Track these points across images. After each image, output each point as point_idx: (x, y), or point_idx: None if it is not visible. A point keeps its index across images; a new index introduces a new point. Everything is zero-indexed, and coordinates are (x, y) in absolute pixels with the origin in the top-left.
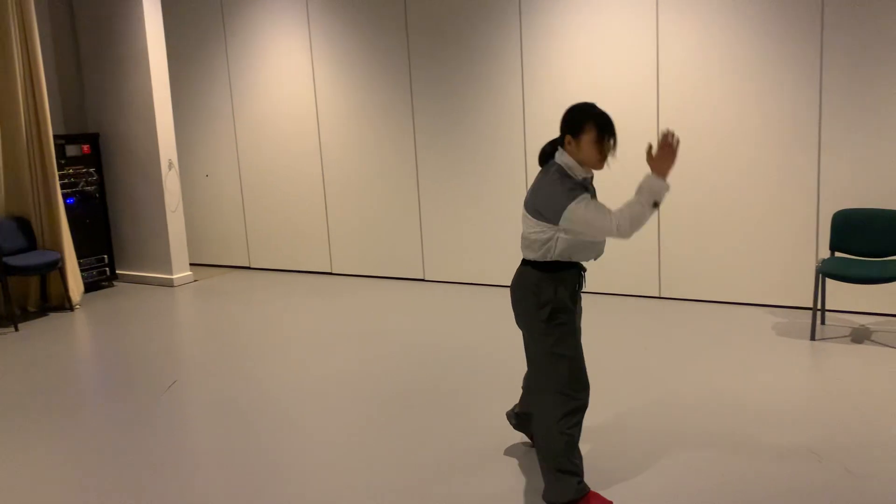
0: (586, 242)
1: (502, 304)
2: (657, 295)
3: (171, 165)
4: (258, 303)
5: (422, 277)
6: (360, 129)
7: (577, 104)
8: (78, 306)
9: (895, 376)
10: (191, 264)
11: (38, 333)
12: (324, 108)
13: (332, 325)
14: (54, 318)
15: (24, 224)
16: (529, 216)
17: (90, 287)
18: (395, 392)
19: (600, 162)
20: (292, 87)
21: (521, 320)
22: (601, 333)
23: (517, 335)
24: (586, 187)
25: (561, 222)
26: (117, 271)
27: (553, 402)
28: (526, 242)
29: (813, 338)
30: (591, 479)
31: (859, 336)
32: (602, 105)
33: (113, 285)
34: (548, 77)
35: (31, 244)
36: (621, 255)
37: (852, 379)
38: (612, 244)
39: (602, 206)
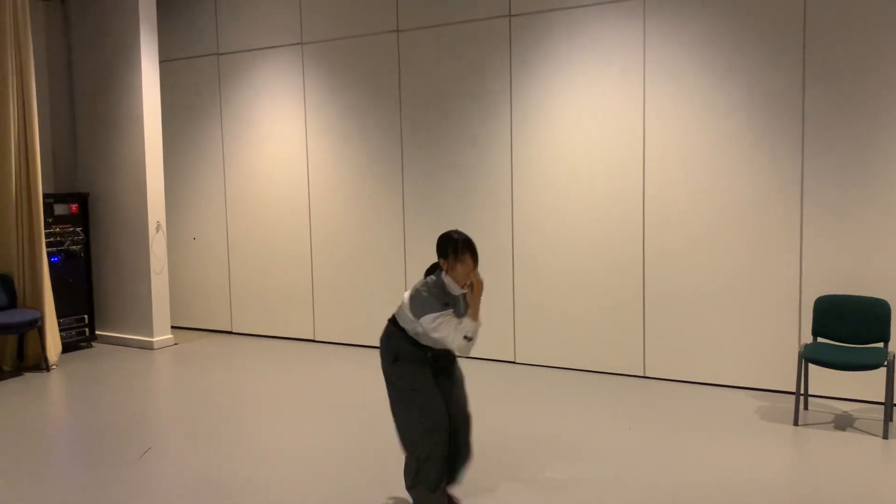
0: (432, 338)
1: (483, 377)
2: (641, 374)
3: (158, 227)
4: (238, 369)
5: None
6: (349, 198)
7: (443, 236)
8: (55, 366)
9: (875, 466)
10: (172, 327)
11: (12, 393)
12: (315, 177)
13: (311, 395)
14: (29, 377)
15: (6, 281)
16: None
17: (68, 347)
18: (373, 469)
19: (463, 285)
20: (284, 155)
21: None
22: (584, 411)
23: (499, 414)
24: (452, 304)
25: (418, 320)
26: (97, 332)
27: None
28: (402, 312)
29: (796, 423)
30: None
31: (842, 423)
32: (590, 185)
33: (92, 346)
34: (536, 151)
35: (12, 302)
36: (605, 332)
37: (834, 468)
38: (597, 322)
39: (452, 331)
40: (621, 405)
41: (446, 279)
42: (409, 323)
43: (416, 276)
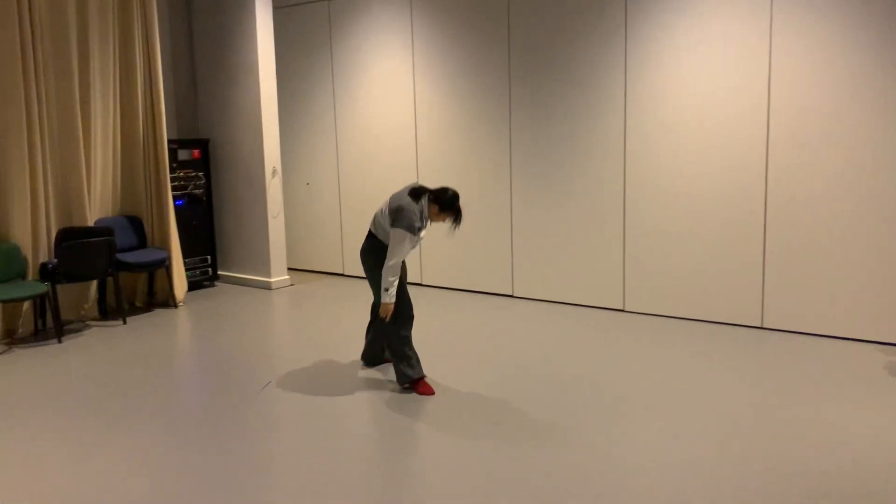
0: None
1: (590, 325)
2: (759, 325)
3: (274, 173)
4: (351, 309)
5: (510, 294)
6: (456, 142)
7: (453, 194)
8: (181, 304)
9: None
10: (288, 268)
11: (144, 327)
12: (422, 121)
13: (420, 334)
14: (159, 314)
15: (136, 223)
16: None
17: (193, 286)
18: (482, 411)
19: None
20: (393, 100)
21: (369, 273)
22: (697, 362)
23: (604, 356)
24: (419, 228)
25: (392, 226)
26: (219, 272)
27: (392, 322)
28: (379, 221)
29: None
30: None
31: None
32: (709, 128)
33: (214, 285)
34: (650, 94)
35: (142, 242)
36: (721, 281)
37: None
38: (712, 271)
39: (403, 251)
40: (737, 357)
41: (428, 211)
42: (381, 231)
43: (523, 219)
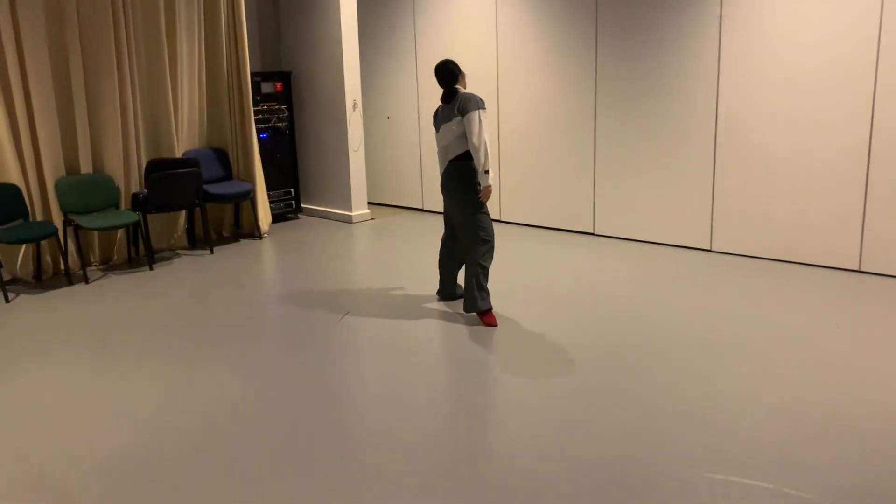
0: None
1: (677, 264)
2: (857, 268)
3: (355, 106)
4: (428, 245)
5: (591, 231)
6: (540, 77)
7: (451, 61)
8: (266, 235)
9: None
10: (369, 203)
11: (230, 257)
12: (504, 57)
13: (498, 272)
14: (245, 244)
15: (222, 155)
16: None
17: (277, 218)
18: (558, 346)
19: None
20: (475, 32)
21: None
22: (789, 304)
23: (688, 298)
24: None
25: (474, 111)
26: (302, 205)
27: (476, 247)
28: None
29: None
30: None
31: None
32: (810, 48)
33: (297, 218)
34: (748, 23)
35: (228, 174)
36: (816, 221)
37: None
38: (807, 210)
39: (485, 128)
40: (832, 300)
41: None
42: (454, 142)
43: (605, 160)
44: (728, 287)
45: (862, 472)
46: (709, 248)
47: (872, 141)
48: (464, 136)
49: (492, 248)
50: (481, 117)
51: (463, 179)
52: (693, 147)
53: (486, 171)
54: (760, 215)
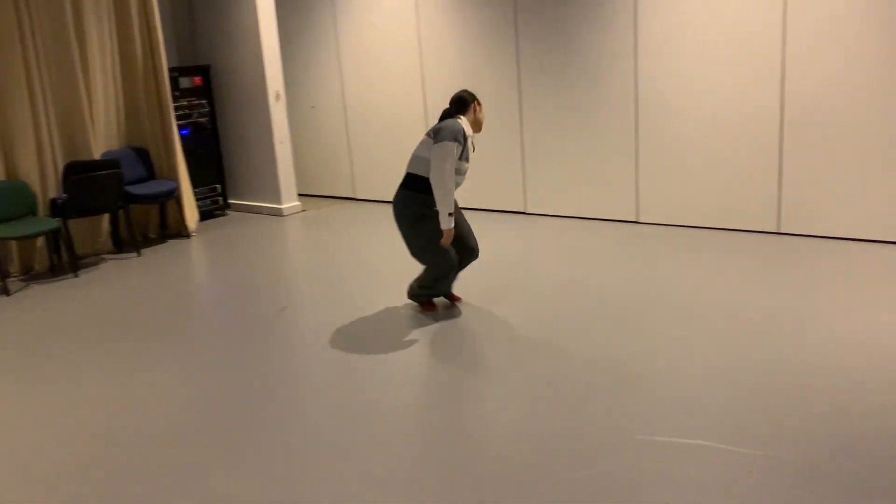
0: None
1: (603, 238)
2: (776, 230)
3: (278, 97)
4: (362, 233)
5: (523, 210)
6: (463, 57)
7: (468, 93)
8: (194, 234)
9: None
10: (299, 194)
11: (158, 258)
12: (427, 37)
13: None
14: (173, 244)
15: (143, 154)
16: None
17: (205, 215)
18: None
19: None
20: (396, 17)
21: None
22: (713, 269)
23: (617, 268)
24: (466, 138)
25: (441, 142)
26: (230, 200)
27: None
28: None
29: None
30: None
31: None
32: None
33: (226, 214)
34: (661, 9)
35: (150, 174)
36: (736, 187)
37: None
38: (727, 177)
39: (451, 163)
40: (754, 263)
41: (466, 125)
42: (422, 163)
43: (533, 137)
44: (657, 256)
45: (799, 425)
46: (636, 220)
47: (784, 109)
48: (427, 160)
49: (451, 268)
50: (451, 151)
51: (410, 205)
52: (616, 124)
53: (450, 214)
54: (682, 186)
